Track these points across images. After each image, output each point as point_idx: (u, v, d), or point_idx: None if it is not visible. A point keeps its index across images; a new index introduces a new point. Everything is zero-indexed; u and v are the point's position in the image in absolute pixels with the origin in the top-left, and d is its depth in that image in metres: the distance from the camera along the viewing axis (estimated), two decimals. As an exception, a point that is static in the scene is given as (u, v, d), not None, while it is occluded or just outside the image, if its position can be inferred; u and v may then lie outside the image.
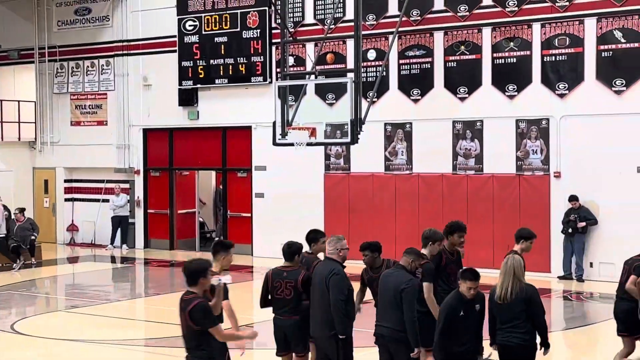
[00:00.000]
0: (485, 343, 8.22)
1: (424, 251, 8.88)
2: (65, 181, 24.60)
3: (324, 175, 20.15)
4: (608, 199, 16.95)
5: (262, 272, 17.78)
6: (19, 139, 24.76)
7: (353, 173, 19.78)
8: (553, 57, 17.51)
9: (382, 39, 19.25)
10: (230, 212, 21.93)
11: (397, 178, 19.19)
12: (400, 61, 19.12)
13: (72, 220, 24.47)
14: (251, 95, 21.05)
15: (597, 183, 17.05)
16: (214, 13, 21.50)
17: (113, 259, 21.93)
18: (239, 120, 21.31)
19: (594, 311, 14.97)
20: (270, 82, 20.23)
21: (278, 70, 19.45)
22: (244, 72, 21.10)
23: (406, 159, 19.14)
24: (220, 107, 21.61)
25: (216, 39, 21.48)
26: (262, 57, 20.82)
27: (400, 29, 18.59)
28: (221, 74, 21.42)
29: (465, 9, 18.35)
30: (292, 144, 16.75)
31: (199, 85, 21.89)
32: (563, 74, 17.42)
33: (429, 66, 18.81)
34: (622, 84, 16.84)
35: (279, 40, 19.16)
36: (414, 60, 19.00)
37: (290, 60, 19.50)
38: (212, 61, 21.55)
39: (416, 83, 18.96)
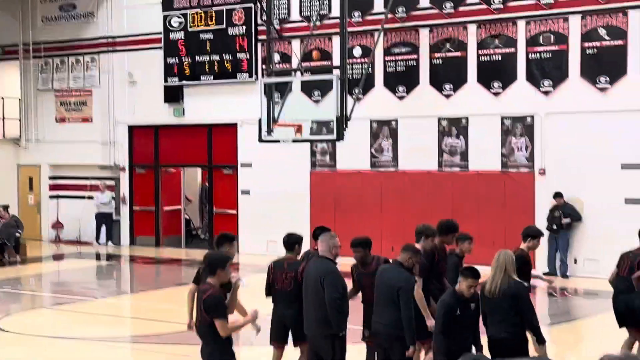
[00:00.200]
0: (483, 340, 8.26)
1: (417, 246, 8.91)
2: (50, 178, 24.51)
3: (310, 172, 20.16)
4: (592, 195, 17.04)
5: (248, 269, 17.89)
6: (4, 135, 24.65)
7: (339, 170, 19.80)
8: (538, 55, 17.58)
9: (368, 36, 19.27)
10: (216, 209, 21.92)
11: (383, 175, 19.24)
12: (386, 58, 19.15)
13: (57, 218, 24.39)
14: (237, 92, 21.02)
15: (582, 180, 17.14)
16: (199, 10, 21.45)
17: (98, 256, 21.88)
18: (224, 117, 21.29)
19: (579, 307, 15.06)
20: (256, 79, 20.21)
21: (264, 67, 19.43)
22: (229, 69, 21.06)
23: (392, 155, 19.18)
24: (206, 104, 21.57)
25: (202, 35, 21.44)
26: (247, 54, 20.81)
27: (385, 26, 18.62)
28: (207, 70, 21.38)
29: (451, 6, 18.39)
30: (277, 141, 16.75)
31: (184, 82, 21.84)
32: (548, 71, 17.49)
33: (415, 63, 18.84)
34: (607, 81, 16.92)
35: (264, 37, 19.14)
36: (400, 57, 19.03)
37: (276, 57, 19.50)
38: (197, 58, 21.50)
39: (402, 80, 19.00)
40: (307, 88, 19.11)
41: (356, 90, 17.65)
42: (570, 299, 15.64)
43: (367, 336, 9.13)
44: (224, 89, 21.28)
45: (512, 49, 17.80)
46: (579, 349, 12.16)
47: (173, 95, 22.06)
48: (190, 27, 21.59)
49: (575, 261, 17.32)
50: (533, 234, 9.48)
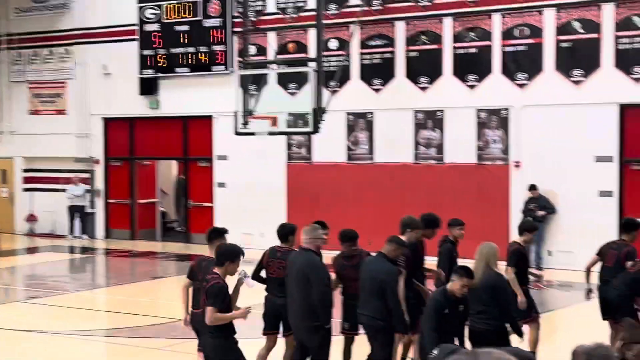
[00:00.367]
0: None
1: (402, 238, 8.90)
2: (24, 171, 24.31)
3: (286, 164, 20.14)
4: (567, 188, 17.16)
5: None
6: (-24, 128, 24.42)
7: (315, 162, 19.80)
8: (513, 48, 17.66)
9: (344, 29, 19.25)
10: (192, 202, 21.84)
11: (359, 167, 19.25)
12: (362, 51, 19.15)
13: (32, 211, 24.19)
14: (212, 85, 20.93)
15: (556, 172, 17.25)
16: (174, 1, 21.32)
17: (73, 249, 21.73)
18: (200, 109, 21.20)
19: (553, 299, 15.16)
20: (232, 72, 20.13)
21: (239, 59, 19.36)
22: (205, 61, 20.97)
23: (368, 148, 19.20)
24: (182, 96, 21.47)
25: (177, 27, 21.32)
26: (223, 46, 20.72)
27: (361, 19, 18.62)
28: (182, 62, 21.27)
29: (427, -1, 18.42)
30: (253, 134, 16.72)
31: (159, 74, 21.72)
32: (523, 64, 17.58)
33: (391, 56, 18.86)
34: (581, 74, 17.03)
35: (240, 29, 19.08)
36: (376, 50, 19.04)
37: (252, 50, 19.44)
38: (173, 50, 21.38)
39: (378, 73, 19.01)
40: (283, 80, 19.08)
41: (332, 83, 17.64)
42: (545, 290, 15.74)
43: (346, 328, 9.16)
44: (200, 81, 21.19)
45: (488, 42, 17.87)
46: (552, 340, 12.23)
47: (148, 88, 21.93)
48: (165, 18, 21.46)
49: (550, 253, 17.44)
50: (529, 229, 9.65)
